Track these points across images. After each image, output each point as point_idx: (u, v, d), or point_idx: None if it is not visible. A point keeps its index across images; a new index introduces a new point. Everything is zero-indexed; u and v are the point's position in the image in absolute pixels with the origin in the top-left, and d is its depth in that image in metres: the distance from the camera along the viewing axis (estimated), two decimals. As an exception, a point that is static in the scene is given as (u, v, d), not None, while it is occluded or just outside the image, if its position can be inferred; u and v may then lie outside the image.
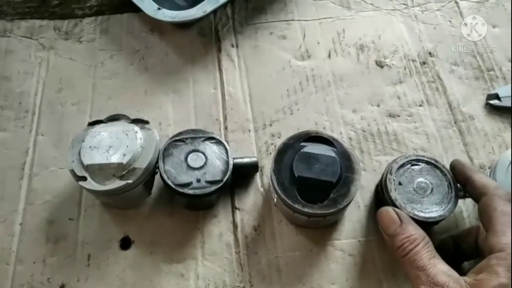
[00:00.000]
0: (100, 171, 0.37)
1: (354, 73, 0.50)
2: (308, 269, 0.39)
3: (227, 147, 0.40)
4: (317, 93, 0.49)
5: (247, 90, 0.49)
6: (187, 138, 0.41)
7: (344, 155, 0.38)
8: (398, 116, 0.47)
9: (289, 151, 0.39)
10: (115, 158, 0.37)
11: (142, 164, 0.38)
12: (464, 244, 0.37)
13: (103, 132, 0.39)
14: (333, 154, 0.38)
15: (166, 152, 0.40)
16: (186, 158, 0.40)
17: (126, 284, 0.38)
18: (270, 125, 0.47)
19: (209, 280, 0.39)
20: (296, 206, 0.36)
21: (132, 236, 0.40)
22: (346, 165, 0.38)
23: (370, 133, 0.46)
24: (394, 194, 0.37)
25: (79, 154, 0.38)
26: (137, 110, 0.46)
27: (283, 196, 0.37)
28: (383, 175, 0.40)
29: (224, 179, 0.39)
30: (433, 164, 0.38)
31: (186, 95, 0.49)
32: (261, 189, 0.43)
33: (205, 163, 0.39)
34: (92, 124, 0.40)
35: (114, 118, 0.41)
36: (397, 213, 0.35)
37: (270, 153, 0.45)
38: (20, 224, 0.41)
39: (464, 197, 0.38)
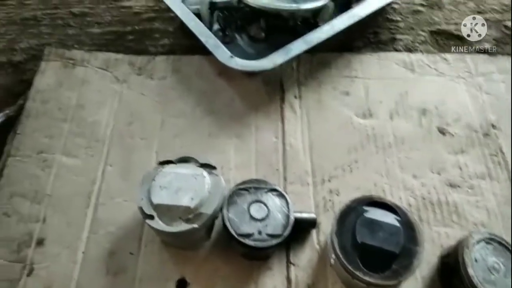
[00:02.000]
0: (168, 211, 0.39)
1: (415, 137, 0.50)
2: (359, 336, 0.38)
3: (289, 201, 0.41)
4: (378, 153, 0.49)
5: (307, 142, 0.50)
6: (250, 188, 0.42)
7: (408, 224, 0.38)
8: (459, 187, 0.47)
9: (351, 214, 0.39)
10: (184, 201, 0.38)
11: (209, 209, 0.39)
12: None
13: (173, 173, 0.40)
14: (397, 223, 0.38)
15: (230, 199, 0.41)
16: (249, 208, 0.41)
17: (177, 326, 0.39)
18: (329, 180, 0.47)
19: (259, 333, 0.39)
20: (357, 273, 0.36)
21: (188, 278, 0.41)
22: (410, 235, 0.38)
23: (430, 202, 0.46)
24: (471, 271, 0.36)
25: (149, 192, 0.39)
26: (201, 151, 0.48)
27: (344, 261, 0.37)
28: (458, 248, 0.39)
29: (285, 234, 0.39)
30: (504, 246, 0.38)
31: (248, 141, 0.50)
32: (317, 246, 0.43)
33: (267, 215, 0.40)
34: (163, 163, 0.42)
35: (184, 160, 0.43)
36: None
37: (328, 210, 0.45)
38: (83, 252, 0.42)
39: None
